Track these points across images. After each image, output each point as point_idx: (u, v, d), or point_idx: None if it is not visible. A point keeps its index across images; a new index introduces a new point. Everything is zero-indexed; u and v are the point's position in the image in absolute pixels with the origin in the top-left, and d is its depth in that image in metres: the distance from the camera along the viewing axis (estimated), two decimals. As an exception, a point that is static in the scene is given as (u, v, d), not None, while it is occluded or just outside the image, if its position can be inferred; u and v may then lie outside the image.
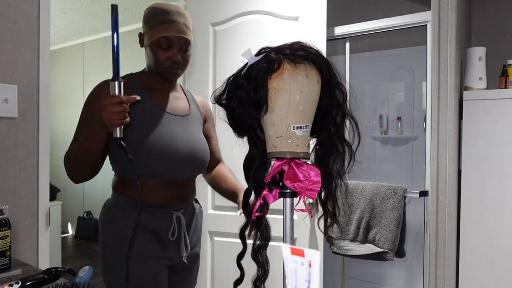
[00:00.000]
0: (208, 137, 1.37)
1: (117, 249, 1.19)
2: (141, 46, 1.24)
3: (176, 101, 1.30)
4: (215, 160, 1.43)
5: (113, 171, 1.26)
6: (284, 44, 0.82)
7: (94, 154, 1.07)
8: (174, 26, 1.16)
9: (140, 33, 1.24)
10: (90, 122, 1.09)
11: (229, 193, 1.36)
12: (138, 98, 1.02)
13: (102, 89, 1.17)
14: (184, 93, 1.36)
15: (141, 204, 1.14)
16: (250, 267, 0.90)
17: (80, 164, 1.12)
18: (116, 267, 1.19)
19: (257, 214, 0.84)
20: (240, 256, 0.90)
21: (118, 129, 0.99)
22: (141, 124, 1.17)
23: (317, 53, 0.81)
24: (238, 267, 0.91)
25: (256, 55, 0.81)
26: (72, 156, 1.13)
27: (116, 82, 0.97)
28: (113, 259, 1.21)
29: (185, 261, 1.26)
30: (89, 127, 1.06)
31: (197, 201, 1.39)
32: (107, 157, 1.21)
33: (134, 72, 1.29)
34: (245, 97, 0.80)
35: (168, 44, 1.17)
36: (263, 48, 0.83)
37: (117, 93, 0.97)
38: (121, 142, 0.99)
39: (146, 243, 1.20)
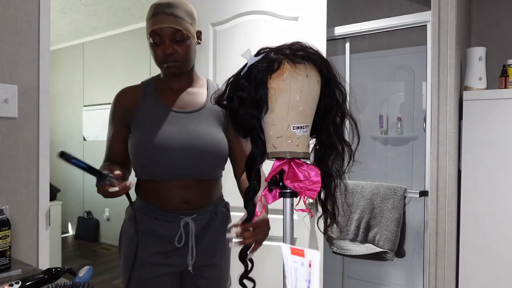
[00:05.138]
0: (229, 140, 1.24)
1: (124, 253, 1.26)
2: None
3: (189, 96, 1.24)
4: (242, 167, 1.22)
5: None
6: (283, 44, 0.82)
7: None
8: (160, 17, 1.11)
9: None
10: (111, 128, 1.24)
11: None
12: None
13: (118, 98, 1.26)
14: (207, 88, 1.29)
15: (152, 208, 1.20)
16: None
17: None
18: (122, 271, 1.26)
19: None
20: (243, 276, 0.93)
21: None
22: (144, 126, 1.19)
23: (317, 53, 0.81)
24: (241, 285, 0.93)
25: (256, 55, 0.81)
26: None
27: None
28: (121, 263, 1.28)
29: (191, 270, 1.21)
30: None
31: (226, 207, 1.31)
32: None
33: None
34: (246, 98, 0.80)
35: (158, 38, 1.13)
36: (262, 49, 0.82)
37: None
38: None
39: (149, 248, 1.20)
